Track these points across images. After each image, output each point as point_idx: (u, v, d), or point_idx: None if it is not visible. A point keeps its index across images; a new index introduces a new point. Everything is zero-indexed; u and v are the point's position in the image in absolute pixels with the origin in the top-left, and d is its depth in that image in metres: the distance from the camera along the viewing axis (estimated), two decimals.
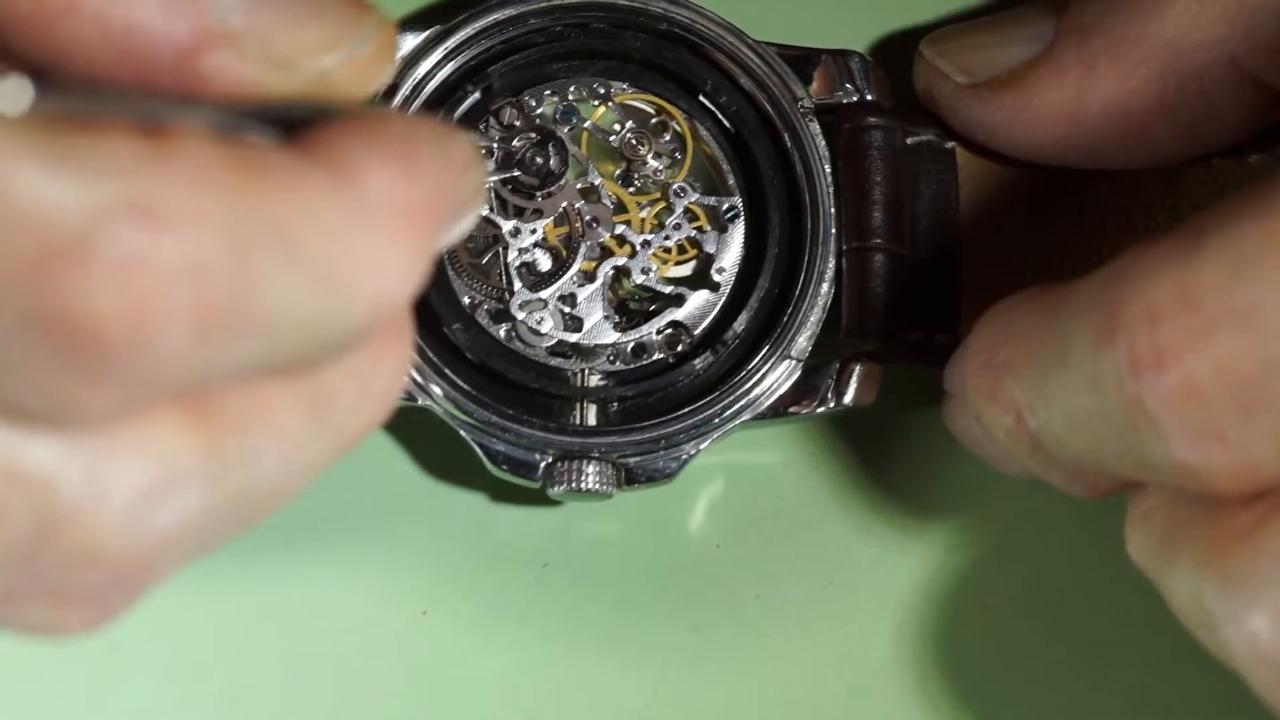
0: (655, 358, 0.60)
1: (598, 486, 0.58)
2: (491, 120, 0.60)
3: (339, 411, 0.45)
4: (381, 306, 0.42)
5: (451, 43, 0.59)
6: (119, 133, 0.39)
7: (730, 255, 0.60)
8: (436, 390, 0.58)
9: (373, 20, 0.45)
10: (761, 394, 0.59)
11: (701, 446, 0.59)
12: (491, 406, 0.58)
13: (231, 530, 0.45)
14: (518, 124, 0.60)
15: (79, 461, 0.41)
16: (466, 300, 0.60)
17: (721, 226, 0.60)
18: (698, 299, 0.60)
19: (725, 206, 0.60)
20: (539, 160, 0.60)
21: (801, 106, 0.60)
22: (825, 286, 0.59)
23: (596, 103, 0.61)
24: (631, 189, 0.61)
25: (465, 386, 0.58)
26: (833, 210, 0.59)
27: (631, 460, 0.59)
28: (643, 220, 0.60)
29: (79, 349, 0.39)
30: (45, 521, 0.41)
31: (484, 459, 0.58)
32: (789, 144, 0.60)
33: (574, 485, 0.58)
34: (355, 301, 0.42)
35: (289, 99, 0.43)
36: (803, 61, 0.60)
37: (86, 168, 0.38)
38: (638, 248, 0.60)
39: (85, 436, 0.41)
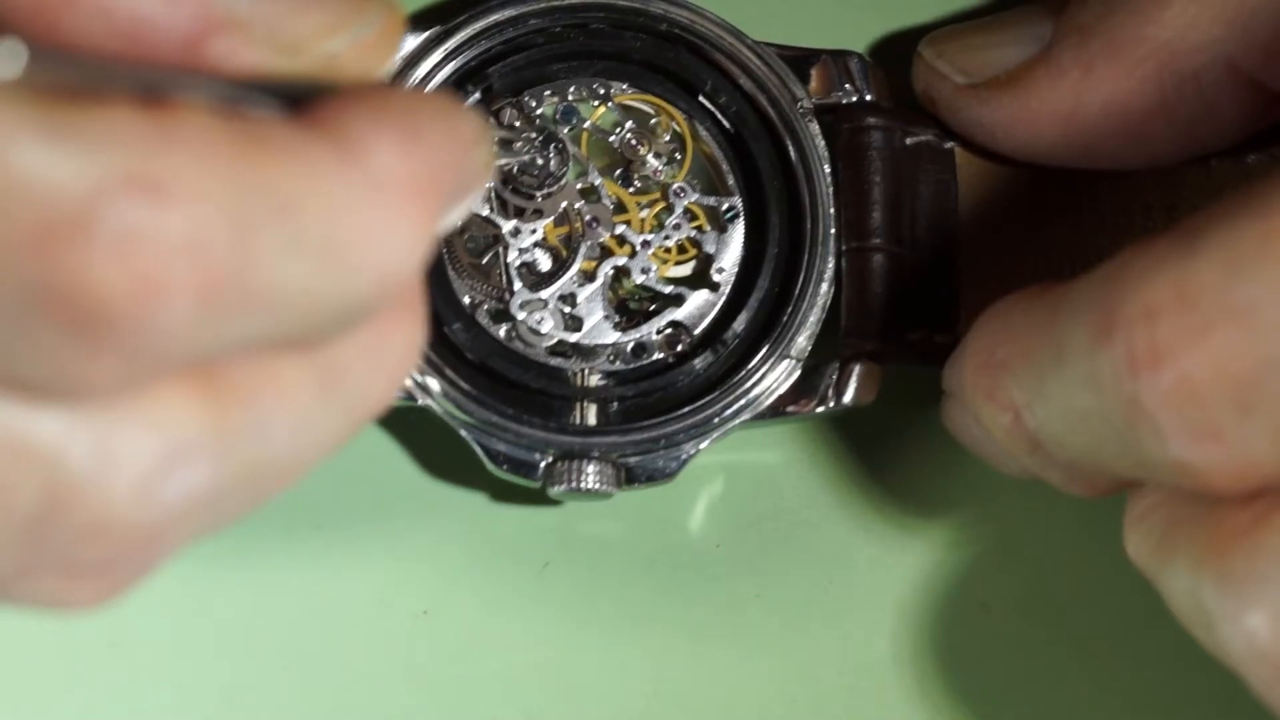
0: (655, 358, 0.60)
1: (598, 486, 0.58)
2: (492, 120, 0.60)
3: (349, 385, 0.45)
4: (388, 280, 0.42)
5: (452, 43, 0.60)
6: (120, 105, 0.39)
7: (730, 255, 0.60)
8: (436, 390, 0.58)
9: (378, 3, 0.45)
10: (761, 394, 0.59)
11: (701, 446, 0.59)
12: (492, 406, 0.58)
13: (242, 505, 0.45)
14: (518, 124, 0.60)
15: (86, 435, 0.41)
16: (467, 300, 0.60)
17: (721, 226, 0.61)
18: (697, 299, 0.60)
19: (725, 206, 0.60)
20: (539, 160, 0.60)
21: (801, 107, 0.60)
22: (825, 286, 0.59)
23: (596, 103, 0.61)
24: (631, 189, 0.61)
25: (465, 386, 0.58)
26: (832, 210, 0.59)
27: (631, 460, 0.59)
28: (642, 220, 0.61)
29: (83, 323, 0.39)
30: (54, 495, 0.41)
31: (484, 459, 0.58)
32: (788, 144, 0.60)
33: (574, 485, 0.58)
34: (360, 275, 0.42)
35: (294, 76, 0.43)
36: (802, 62, 0.60)
37: (87, 140, 0.38)
38: (638, 248, 0.60)
39: (92, 410, 0.41)
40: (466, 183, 0.45)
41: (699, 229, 0.60)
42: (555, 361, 0.60)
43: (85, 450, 0.41)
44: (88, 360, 0.39)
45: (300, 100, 0.42)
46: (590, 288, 0.60)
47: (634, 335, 0.60)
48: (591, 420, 0.59)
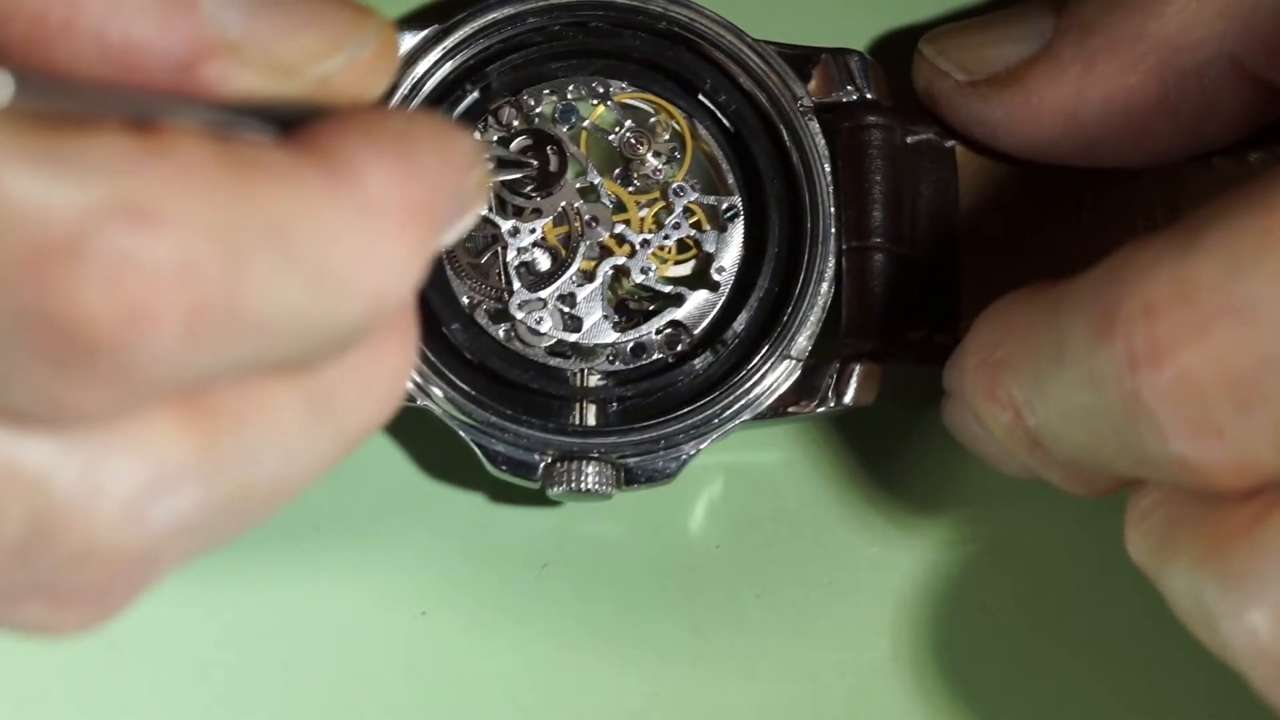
0: (655, 357, 0.60)
1: (597, 487, 0.58)
2: (490, 119, 0.60)
3: (340, 409, 0.45)
4: (380, 305, 0.42)
5: (450, 42, 0.59)
6: (110, 130, 0.39)
7: (730, 255, 0.60)
8: (436, 391, 0.58)
9: (372, 23, 0.45)
10: (761, 394, 0.59)
11: (701, 446, 0.59)
12: (491, 407, 0.58)
13: (232, 528, 0.45)
14: (516, 123, 0.60)
15: (74, 461, 0.41)
16: (465, 300, 0.60)
17: (721, 226, 0.60)
18: (697, 298, 0.60)
19: (724, 206, 0.60)
20: (538, 160, 0.60)
21: (801, 105, 0.60)
22: (825, 286, 0.59)
23: (595, 102, 0.61)
24: (631, 188, 0.61)
25: (464, 387, 0.58)
26: (832, 209, 0.59)
27: (631, 460, 0.58)
28: (642, 219, 0.60)
29: (72, 350, 0.39)
30: (41, 521, 0.41)
31: (483, 459, 0.58)
32: (788, 143, 0.60)
33: (574, 486, 0.58)
34: (352, 300, 0.42)
35: (288, 99, 0.43)
36: (802, 60, 0.60)
37: (77, 167, 0.38)
38: (637, 247, 0.60)
39: (80, 436, 0.41)
40: (461, 205, 0.45)
41: (698, 228, 0.60)
42: (554, 362, 0.60)
43: (73, 476, 0.41)
44: (77, 387, 0.39)
45: (294, 123, 0.42)
46: (589, 287, 0.60)
47: (633, 335, 0.60)
48: (591, 421, 0.59)
